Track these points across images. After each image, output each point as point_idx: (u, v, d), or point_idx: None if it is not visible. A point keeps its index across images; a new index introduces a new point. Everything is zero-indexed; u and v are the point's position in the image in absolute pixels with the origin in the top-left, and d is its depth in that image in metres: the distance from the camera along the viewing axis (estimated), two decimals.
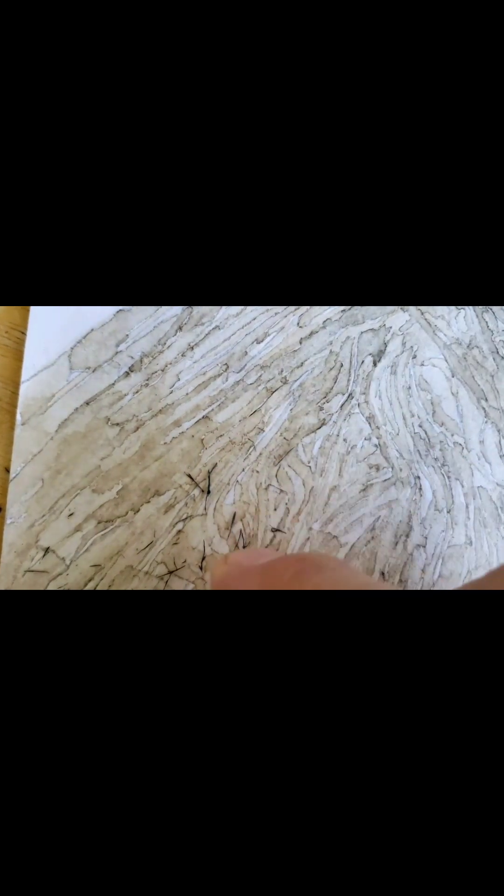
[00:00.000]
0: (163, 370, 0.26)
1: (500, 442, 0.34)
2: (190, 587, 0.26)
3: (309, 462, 0.28)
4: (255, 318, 0.27)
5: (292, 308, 0.28)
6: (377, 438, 0.30)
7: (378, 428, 0.30)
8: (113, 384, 0.25)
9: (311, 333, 0.29)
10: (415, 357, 0.31)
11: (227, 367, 0.27)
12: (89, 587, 0.24)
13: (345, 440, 0.29)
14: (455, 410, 0.32)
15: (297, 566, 0.17)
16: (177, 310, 0.26)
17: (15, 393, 0.24)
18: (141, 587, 0.25)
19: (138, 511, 0.25)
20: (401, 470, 0.31)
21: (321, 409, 0.29)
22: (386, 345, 0.31)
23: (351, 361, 0.30)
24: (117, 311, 0.25)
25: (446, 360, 0.32)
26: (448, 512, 0.32)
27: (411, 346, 0.31)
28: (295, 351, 0.28)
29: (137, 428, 0.25)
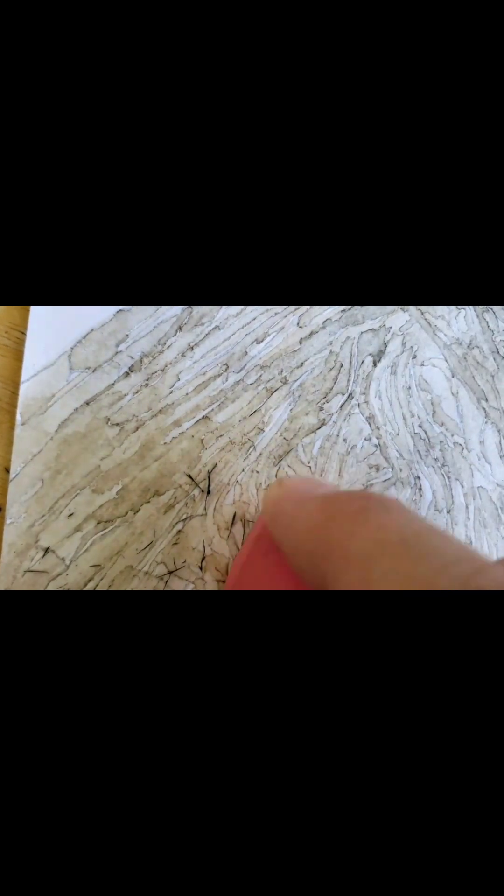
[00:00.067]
0: (163, 370, 0.26)
1: (500, 442, 0.34)
2: (190, 587, 0.25)
3: (309, 462, 0.28)
4: (255, 318, 0.27)
5: (292, 308, 0.28)
6: (377, 439, 0.30)
7: (378, 428, 0.30)
8: (113, 384, 0.25)
9: (311, 333, 0.29)
10: (415, 357, 0.31)
11: (227, 367, 0.27)
12: (89, 587, 0.24)
13: (345, 440, 0.29)
14: (455, 411, 0.32)
15: (362, 502, 0.16)
16: (177, 310, 0.26)
17: (15, 393, 0.24)
18: (141, 587, 0.25)
19: (138, 511, 0.25)
20: (401, 470, 0.31)
21: (321, 409, 0.29)
22: (386, 345, 0.31)
23: (351, 361, 0.30)
24: (117, 311, 0.25)
25: (446, 361, 0.32)
26: (448, 512, 0.32)
27: (411, 347, 0.31)
28: (295, 351, 0.28)
29: (137, 428, 0.25)
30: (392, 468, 0.30)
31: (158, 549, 0.25)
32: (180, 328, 0.26)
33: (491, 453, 0.33)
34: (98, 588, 0.24)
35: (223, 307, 0.27)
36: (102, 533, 0.24)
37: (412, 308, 0.31)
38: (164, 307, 0.25)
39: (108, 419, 0.24)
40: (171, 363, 0.26)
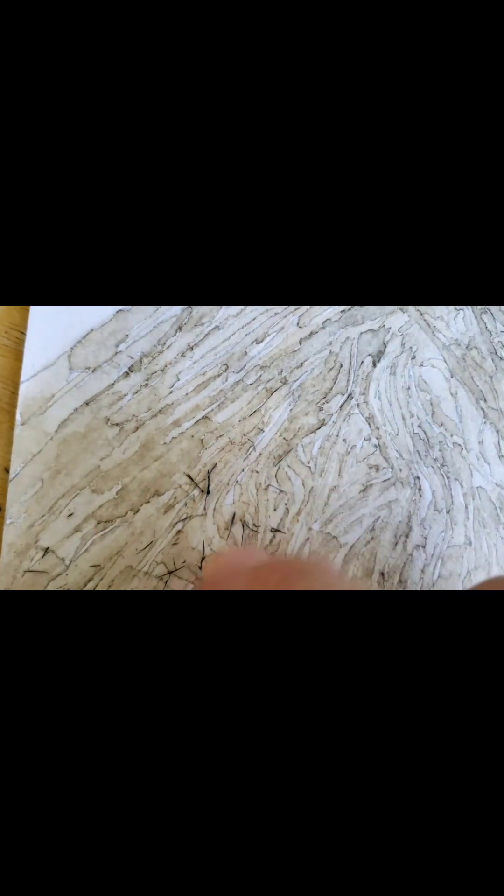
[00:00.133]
0: (162, 370, 0.26)
1: (498, 442, 0.34)
2: (189, 587, 0.25)
3: (308, 462, 0.28)
4: (254, 319, 0.27)
5: (292, 308, 0.28)
6: (377, 439, 0.30)
7: (378, 428, 0.30)
8: (113, 384, 0.25)
9: (311, 334, 0.29)
10: (414, 358, 0.31)
11: (227, 367, 0.27)
12: (89, 587, 0.24)
13: (344, 440, 0.29)
14: (454, 411, 0.32)
15: (284, 571, 0.17)
16: (176, 310, 0.26)
17: (15, 393, 0.24)
18: (140, 587, 0.25)
19: (138, 511, 0.25)
20: (400, 470, 0.31)
21: (321, 409, 0.29)
22: (385, 345, 0.31)
23: (350, 362, 0.30)
24: (117, 311, 0.25)
25: (445, 361, 0.32)
26: (447, 512, 0.32)
27: (410, 347, 0.31)
28: (295, 351, 0.28)
29: (137, 428, 0.25)
30: (391, 468, 0.30)
31: (158, 549, 0.25)
32: (180, 328, 0.26)
33: (490, 453, 0.33)
34: (98, 588, 0.24)
35: (223, 307, 0.27)
36: (102, 533, 0.24)
37: (411, 308, 0.31)
38: (163, 307, 0.25)
39: (108, 419, 0.24)
40: (170, 363, 0.26)
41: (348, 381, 0.30)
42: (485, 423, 0.33)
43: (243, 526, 0.27)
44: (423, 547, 0.31)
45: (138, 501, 0.25)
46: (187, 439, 0.26)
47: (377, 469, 0.30)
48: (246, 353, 0.27)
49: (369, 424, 0.30)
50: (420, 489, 0.31)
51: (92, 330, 0.24)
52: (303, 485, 0.28)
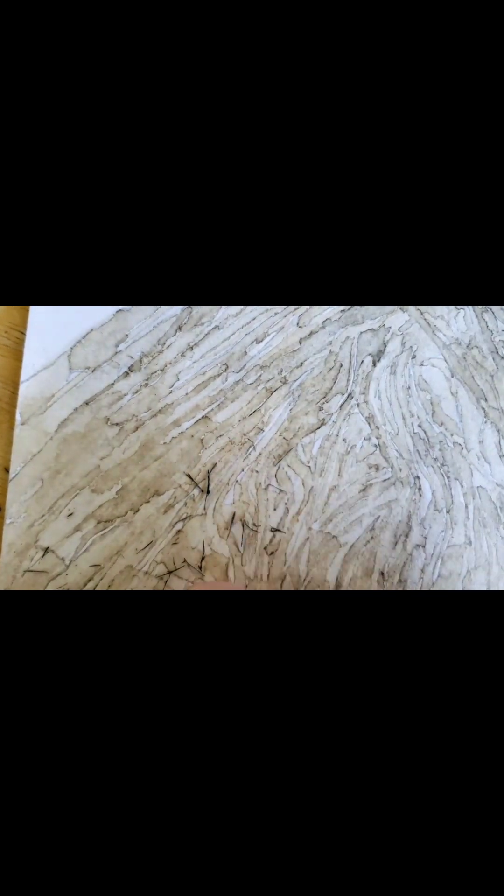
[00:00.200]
0: (162, 370, 0.26)
1: (499, 442, 0.34)
2: (190, 587, 0.25)
3: (308, 462, 0.28)
4: (254, 318, 0.27)
5: (292, 308, 0.28)
6: (377, 438, 0.30)
7: (377, 428, 0.30)
8: (112, 384, 0.25)
9: (311, 333, 0.29)
10: (414, 357, 0.31)
11: (227, 367, 0.27)
12: (89, 587, 0.24)
13: (344, 440, 0.29)
14: (454, 410, 0.32)
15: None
16: (176, 310, 0.26)
17: (14, 393, 0.24)
18: (140, 587, 0.25)
19: (138, 511, 0.25)
20: (400, 470, 0.31)
21: (321, 409, 0.29)
22: (385, 345, 0.31)
23: (350, 361, 0.30)
24: (117, 311, 0.25)
25: (446, 360, 0.32)
26: (447, 512, 0.32)
27: (411, 346, 0.31)
28: (295, 351, 0.28)
29: (137, 428, 0.25)
30: (391, 468, 0.30)
31: (158, 549, 0.25)
32: (180, 328, 0.26)
33: (490, 453, 0.33)
34: (98, 588, 0.24)
35: (223, 307, 0.27)
36: (102, 533, 0.24)
37: (412, 308, 0.31)
38: (163, 307, 0.25)
39: (108, 419, 0.24)
40: (170, 363, 0.26)
41: (348, 380, 0.30)
42: (485, 422, 0.33)
43: (243, 525, 0.27)
44: (423, 546, 0.31)
45: (138, 501, 0.25)
46: (187, 439, 0.26)
47: (377, 469, 0.30)
48: (246, 352, 0.27)
49: (369, 424, 0.30)
50: (420, 489, 0.31)
51: (92, 330, 0.24)
52: (303, 484, 0.28)
